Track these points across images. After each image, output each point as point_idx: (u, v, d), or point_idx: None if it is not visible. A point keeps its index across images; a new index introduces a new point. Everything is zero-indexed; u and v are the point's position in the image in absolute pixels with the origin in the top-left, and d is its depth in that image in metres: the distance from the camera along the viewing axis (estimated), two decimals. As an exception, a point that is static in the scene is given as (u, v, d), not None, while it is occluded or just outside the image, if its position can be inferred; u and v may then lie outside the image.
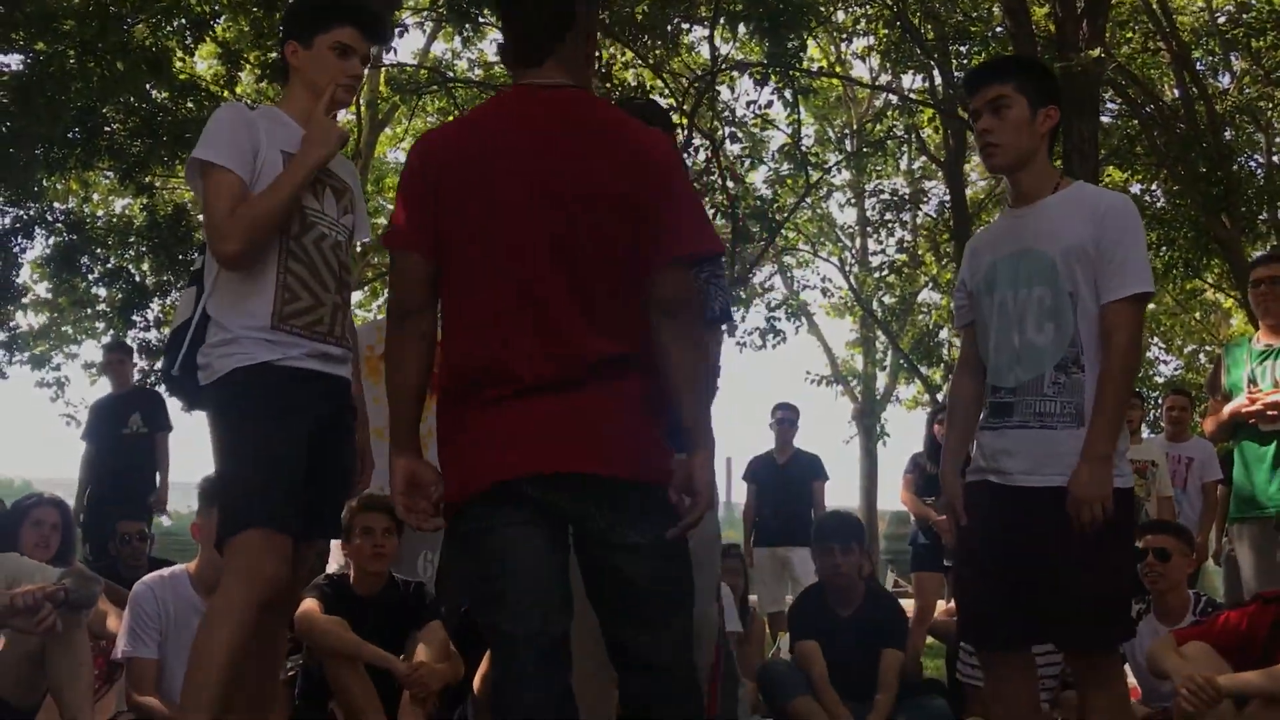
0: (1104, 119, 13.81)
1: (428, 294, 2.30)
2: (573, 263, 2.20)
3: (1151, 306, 19.51)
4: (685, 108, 13.05)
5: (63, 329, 16.39)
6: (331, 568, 4.50)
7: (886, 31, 14.46)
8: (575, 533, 2.23)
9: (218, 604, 2.75)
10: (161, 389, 7.59)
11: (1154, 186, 15.59)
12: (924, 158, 19.30)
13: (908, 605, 7.17)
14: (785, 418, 7.96)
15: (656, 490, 2.24)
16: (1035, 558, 2.80)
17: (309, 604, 4.04)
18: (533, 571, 2.19)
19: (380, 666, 3.99)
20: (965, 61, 14.02)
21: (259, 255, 2.81)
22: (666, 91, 13.64)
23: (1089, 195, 2.93)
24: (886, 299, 20.12)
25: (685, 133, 12.60)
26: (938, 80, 15.14)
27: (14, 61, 10.85)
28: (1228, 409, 4.71)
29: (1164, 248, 14.13)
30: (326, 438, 2.90)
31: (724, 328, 3.08)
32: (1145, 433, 7.39)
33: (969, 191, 16.49)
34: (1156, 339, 20.74)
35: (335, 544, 4.35)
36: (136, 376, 9.09)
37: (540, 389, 2.19)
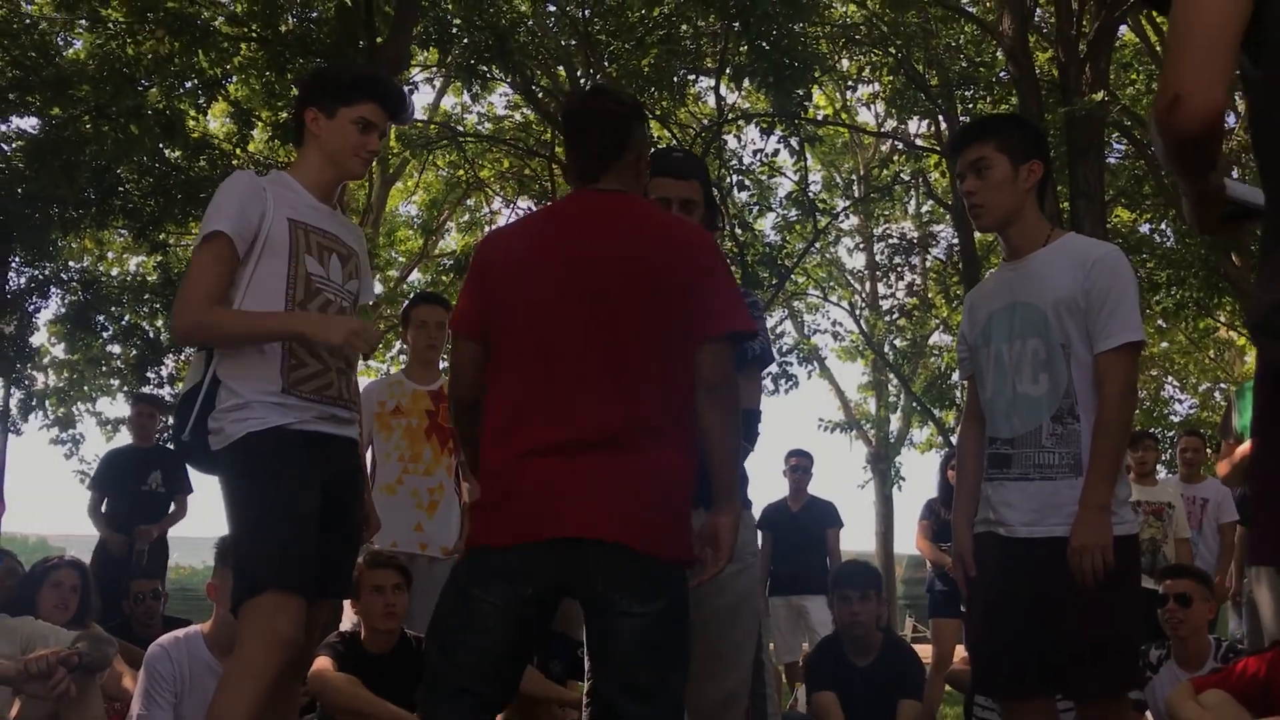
0: (1110, 160, 13.87)
1: (479, 374, 2.52)
2: (613, 343, 2.35)
3: (1165, 345, 19.47)
4: (693, 157, 13.14)
5: (83, 388, 16.46)
6: (344, 625, 4.48)
7: (891, 78, 14.59)
8: (585, 596, 2.31)
9: (235, 667, 2.75)
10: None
11: (1163, 225, 15.61)
12: (931, 201, 19.37)
13: (926, 651, 7.10)
14: (799, 465, 7.87)
15: (670, 566, 2.34)
16: (1041, 608, 2.80)
17: (323, 662, 4.02)
18: (501, 633, 2.32)
19: (394, 724, 3.97)
20: (970, 106, 14.13)
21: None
22: (674, 142, 13.75)
23: (1078, 246, 2.95)
24: (898, 342, 20.13)
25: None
26: (943, 125, 15.24)
27: (30, 125, 11.04)
28: (1239, 451, 4.70)
29: (1175, 287, 14.12)
30: (337, 498, 2.92)
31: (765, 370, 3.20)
32: (1161, 473, 7.34)
33: (978, 234, 16.52)
34: (1171, 378, 20.67)
35: (347, 602, 4.35)
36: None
37: (573, 454, 2.30)
